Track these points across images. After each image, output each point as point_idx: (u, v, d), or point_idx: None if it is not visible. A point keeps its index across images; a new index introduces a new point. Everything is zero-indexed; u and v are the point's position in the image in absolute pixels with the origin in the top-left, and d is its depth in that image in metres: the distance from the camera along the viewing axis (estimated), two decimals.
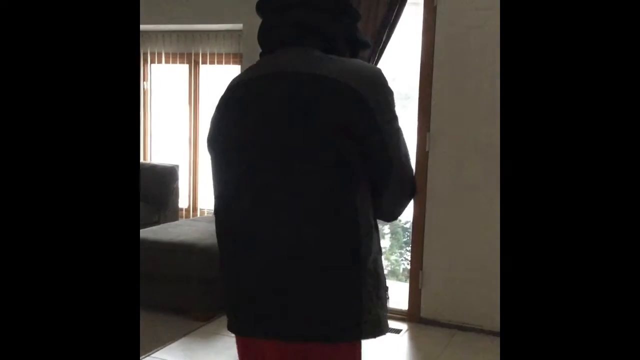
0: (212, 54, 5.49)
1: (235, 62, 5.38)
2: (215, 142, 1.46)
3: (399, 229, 7.47)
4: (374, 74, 1.41)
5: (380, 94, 1.38)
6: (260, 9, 1.49)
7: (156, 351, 3.40)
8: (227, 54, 5.40)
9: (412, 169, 1.49)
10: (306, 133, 1.33)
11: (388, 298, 1.50)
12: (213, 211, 1.50)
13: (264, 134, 1.36)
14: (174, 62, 5.73)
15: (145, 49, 5.78)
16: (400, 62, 7.48)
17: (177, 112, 5.86)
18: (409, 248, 6.84)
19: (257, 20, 1.51)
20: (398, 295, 4.23)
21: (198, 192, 5.95)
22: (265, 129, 1.37)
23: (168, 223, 4.85)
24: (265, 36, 1.48)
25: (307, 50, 1.42)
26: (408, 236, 7.13)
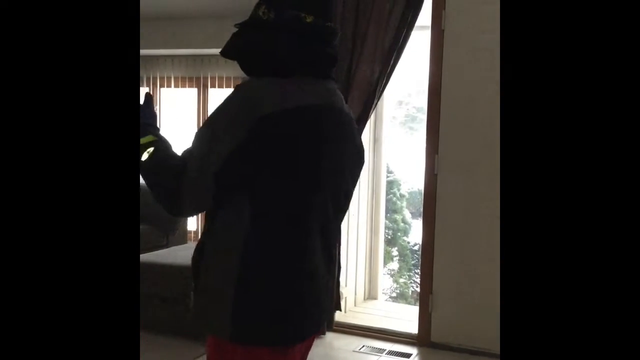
0: (220, 78, 5.54)
1: None
2: (276, 163, 1.42)
3: (408, 252, 7.42)
4: None
5: None
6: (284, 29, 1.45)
7: None
8: (236, 78, 5.44)
9: None
10: (340, 166, 1.54)
11: None
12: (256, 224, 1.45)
13: (319, 165, 1.47)
14: (183, 85, 5.78)
15: (154, 73, 5.83)
16: (408, 85, 7.51)
17: (186, 136, 5.89)
18: (417, 270, 6.79)
19: None
20: (407, 318, 4.19)
21: None
22: (319, 161, 1.46)
23: (176, 246, 4.84)
24: (291, 60, 1.46)
25: (326, 81, 1.53)
26: (416, 258, 7.08)
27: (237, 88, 1.48)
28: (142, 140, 1.48)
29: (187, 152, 1.45)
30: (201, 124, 1.49)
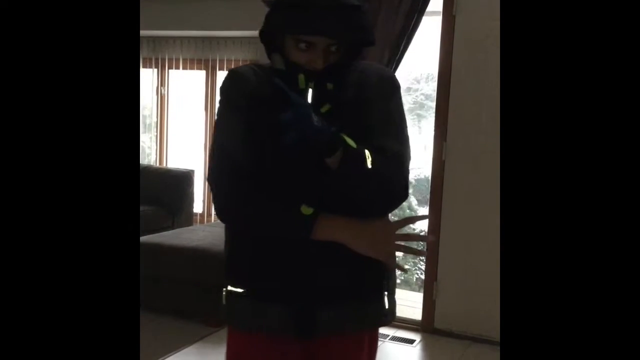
0: (229, 60, 5.52)
1: None
2: None
3: None
4: None
5: None
6: None
7: (168, 356, 3.40)
8: (244, 61, 5.42)
9: None
10: None
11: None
12: None
13: None
14: (192, 68, 5.76)
15: (163, 54, 5.81)
16: (417, 71, 7.47)
17: (194, 118, 5.89)
18: (422, 258, 6.79)
19: None
20: (411, 305, 4.21)
21: None
22: None
23: (182, 228, 4.86)
24: None
25: None
26: (422, 246, 7.08)
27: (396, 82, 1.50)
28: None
29: (399, 146, 1.42)
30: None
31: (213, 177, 1.41)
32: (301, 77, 1.36)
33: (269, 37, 1.43)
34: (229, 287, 1.52)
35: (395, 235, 1.42)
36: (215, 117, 1.46)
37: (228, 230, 1.52)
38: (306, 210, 1.33)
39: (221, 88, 1.46)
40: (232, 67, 5.47)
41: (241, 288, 1.48)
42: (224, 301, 1.54)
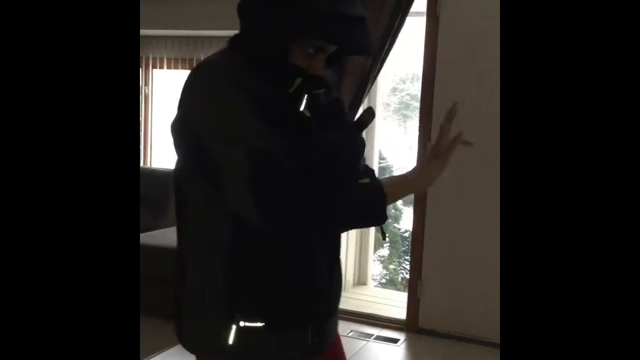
0: None
1: None
2: None
3: (398, 238, 7.45)
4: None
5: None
6: None
7: (154, 356, 3.39)
8: None
9: None
10: None
11: None
12: None
13: None
14: (176, 67, 5.73)
15: (147, 53, 5.78)
16: (404, 71, 7.50)
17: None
18: (407, 257, 6.83)
19: None
20: (396, 304, 4.22)
21: None
22: None
23: (167, 228, 4.84)
24: None
25: None
26: (407, 245, 7.11)
27: None
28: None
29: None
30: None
31: (257, 177, 1.16)
32: (298, 80, 1.24)
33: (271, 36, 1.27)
34: (243, 323, 1.25)
35: (439, 153, 1.41)
36: (217, 115, 1.27)
37: (228, 255, 1.30)
38: (364, 180, 1.24)
39: (214, 79, 1.32)
40: None
41: (260, 322, 1.24)
42: (230, 340, 1.25)
